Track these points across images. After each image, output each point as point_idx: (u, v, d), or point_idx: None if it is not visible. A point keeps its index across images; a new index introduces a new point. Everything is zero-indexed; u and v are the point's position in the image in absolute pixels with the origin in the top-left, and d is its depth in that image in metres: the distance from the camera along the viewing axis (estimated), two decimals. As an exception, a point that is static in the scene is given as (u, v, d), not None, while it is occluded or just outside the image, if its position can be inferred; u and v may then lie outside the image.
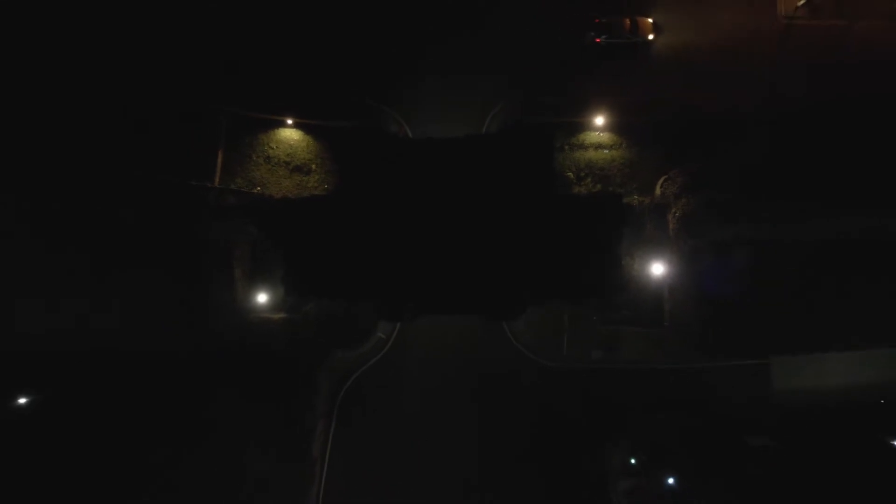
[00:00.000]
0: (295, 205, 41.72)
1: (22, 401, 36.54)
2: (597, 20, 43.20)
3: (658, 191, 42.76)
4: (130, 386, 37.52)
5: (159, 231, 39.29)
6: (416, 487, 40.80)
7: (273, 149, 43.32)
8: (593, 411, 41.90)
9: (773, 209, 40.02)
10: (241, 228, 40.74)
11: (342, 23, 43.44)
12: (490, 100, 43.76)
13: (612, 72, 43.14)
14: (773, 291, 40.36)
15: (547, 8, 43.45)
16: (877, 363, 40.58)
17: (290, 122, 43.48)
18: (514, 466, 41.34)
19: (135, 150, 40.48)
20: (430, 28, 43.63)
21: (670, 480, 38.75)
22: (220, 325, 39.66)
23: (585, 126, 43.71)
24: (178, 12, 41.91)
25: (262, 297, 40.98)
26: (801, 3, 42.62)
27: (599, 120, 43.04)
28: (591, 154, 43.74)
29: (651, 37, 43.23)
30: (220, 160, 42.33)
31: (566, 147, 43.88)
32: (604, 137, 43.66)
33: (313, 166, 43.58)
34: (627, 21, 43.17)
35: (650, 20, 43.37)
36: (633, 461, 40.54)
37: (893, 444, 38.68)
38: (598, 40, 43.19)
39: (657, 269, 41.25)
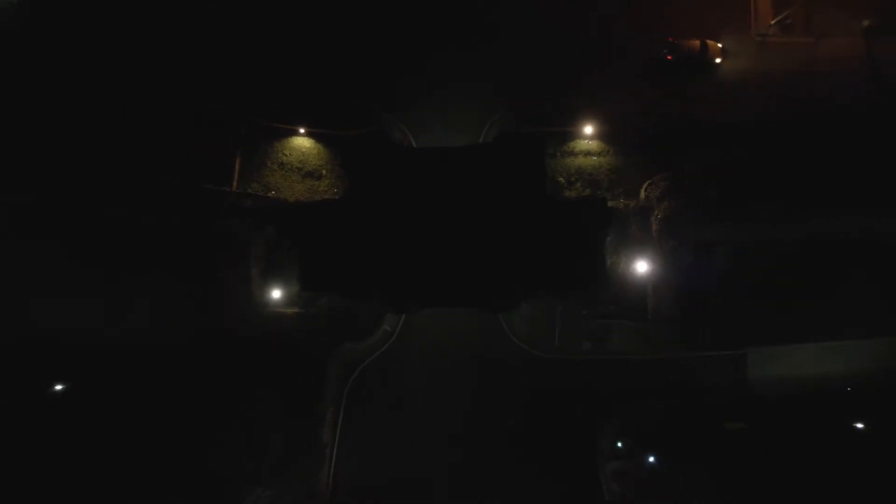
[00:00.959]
0: (308, 208, 43.19)
1: (58, 387, 37.99)
2: (670, 38, 43.96)
3: (642, 195, 43.83)
4: (158, 376, 38.47)
5: (183, 232, 40.77)
6: (417, 468, 41.42)
7: (286, 155, 44.87)
8: (583, 398, 42.46)
9: (746, 212, 41.04)
10: (258, 229, 42.21)
11: (347, 40, 44.94)
12: (487, 110, 44.59)
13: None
14: (748, 287, 41.03)
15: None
16: (844, 354, 41.35)
17: (302, 130, 44.91)
18: (508, 449, 41.96)
19: (160, 157, 41.96)
20: (433, 40, 45.04)
21: (651, 459, 39.68)
22: (238, 319, 41.01)
23: (575, 134, 44.70)
24: (202, 40, 43.84)
25: (277, 293, 42.39)
26: (773, 21, 43.93)
27: (588, 129, 44.07)
28: (580, 160, 45.01)
29: (718, 60, 43.98)
30: (237, 166, 43.86)
31: (557, 154, 45.02)
32: (592, 145, 44.83)
33: (324, 172, 45.13)
34: (697, 43, 43.86)
35: (720, 45, 44.14)
36: (619, 445, 41.51)
37: (857, 427, 39.31)
38: (668, 57, 43.97)
39: (641, 267, 42.32)
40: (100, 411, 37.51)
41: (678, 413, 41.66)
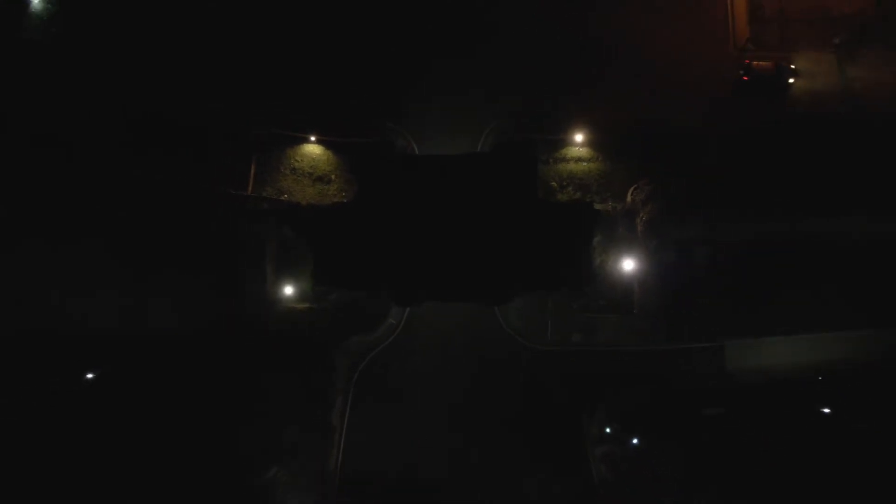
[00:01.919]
0: (320, 210, 45.01)
1: (89, 375, 40.71)
2: (746, 61, 44.98)
3: (629, 198, 45.42)
4: (184, 365, 40.75)
5: (205, 233, 42.92)
6: (418, 451, 43.05)
7: (298, 161, 46.70)
8: (573, 386, 43.94)
9: (723, 214, 42.67)
10: (274, 230, 44.17)
11: (353, 52, 46.95)
12: (485, 118, 46.41)
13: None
14: (726, 283, 42.59)
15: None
16: (815, 346, 42.75)
17: (312, 138, 46.53)
18: (503, 434, 43.35)
19: (181, 164, 44.21)
20: (433, 40, 46.82)
21: (635, 441, 41.65)
22: (255, 314, 43.08)
23: (567, 142, 46.26)
24: (222, 59, 46.36)
25: (290, 289, 44.34)
26: (749, 37, 46.04)
27: (579, 136, 45.76)
28: (571, 166, 46.52)
29: (791, 80, 44.73)
30: (252, 171, 45.85)
31: (550, 160, 46.48)
32: (583, 152, 46.61)
33: (332, 177, 46.82)
34: (772, 64, 44.80)
35: (793, 66, 45.00)
36: (607, 430, 43.19)
37: (826, 412, 41.29)
38: (745, 78, 44.81)
39: (627, 264, 43.87)
40: (133, 396, 39.93)
41: (660, 399, 43.23)
